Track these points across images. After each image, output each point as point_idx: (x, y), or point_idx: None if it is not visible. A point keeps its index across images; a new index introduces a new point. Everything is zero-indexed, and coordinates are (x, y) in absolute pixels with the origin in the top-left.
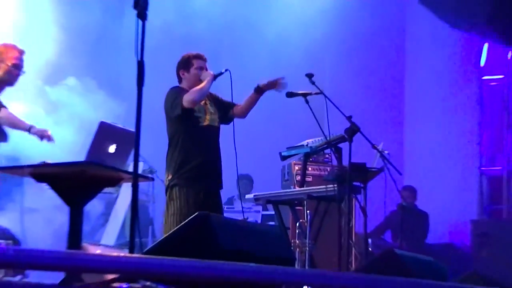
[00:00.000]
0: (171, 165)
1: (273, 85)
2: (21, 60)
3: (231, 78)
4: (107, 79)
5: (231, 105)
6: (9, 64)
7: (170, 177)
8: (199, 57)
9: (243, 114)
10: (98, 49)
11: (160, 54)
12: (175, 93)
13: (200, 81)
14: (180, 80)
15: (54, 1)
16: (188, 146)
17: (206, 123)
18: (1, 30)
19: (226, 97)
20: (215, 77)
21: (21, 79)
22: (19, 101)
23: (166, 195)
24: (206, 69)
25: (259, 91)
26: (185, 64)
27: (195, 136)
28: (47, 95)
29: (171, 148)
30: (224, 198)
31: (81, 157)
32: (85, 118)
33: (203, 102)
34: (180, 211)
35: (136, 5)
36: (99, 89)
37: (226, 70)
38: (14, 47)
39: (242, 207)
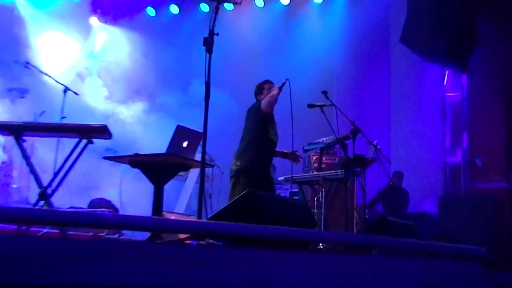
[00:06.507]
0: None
1: (293, 159)
2: None
3: (289, 86)
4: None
5: None
6: None
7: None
8: (268, 82)
9: None
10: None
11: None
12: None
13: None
14: (258, 101)
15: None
16: None
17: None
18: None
19: (286, 102)
20: (280, 88)
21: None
22: None
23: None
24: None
25: (283, 156)
26: (259, 89)
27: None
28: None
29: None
30: None
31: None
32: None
33: None
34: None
35: (205, 43)
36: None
37: (286, 80)
38: None
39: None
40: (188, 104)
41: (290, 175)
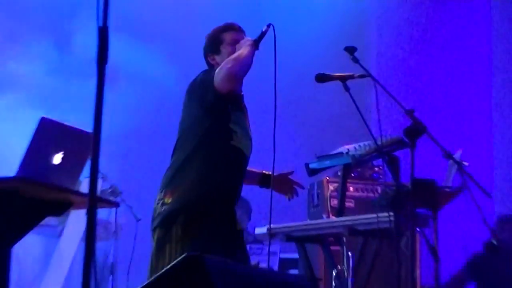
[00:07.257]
0: None
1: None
2: None
3: (274, 34)
4: None
5: None
6: None
7: None
8: (230, 28)
9: None
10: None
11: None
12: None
13: None
14: (211, 68)
15: None
16: None
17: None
18: None
19: (269, 71)
20: (256, 42)
21: None
22: None
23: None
24: None
25: (261, 183)
26: (213, 44)
27: None
28: None
29: None
30: None
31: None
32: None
33: None
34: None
35: None
36: None
37: (269, 26)
38: None
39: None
40: (67, 76)
41: (280, 224)
